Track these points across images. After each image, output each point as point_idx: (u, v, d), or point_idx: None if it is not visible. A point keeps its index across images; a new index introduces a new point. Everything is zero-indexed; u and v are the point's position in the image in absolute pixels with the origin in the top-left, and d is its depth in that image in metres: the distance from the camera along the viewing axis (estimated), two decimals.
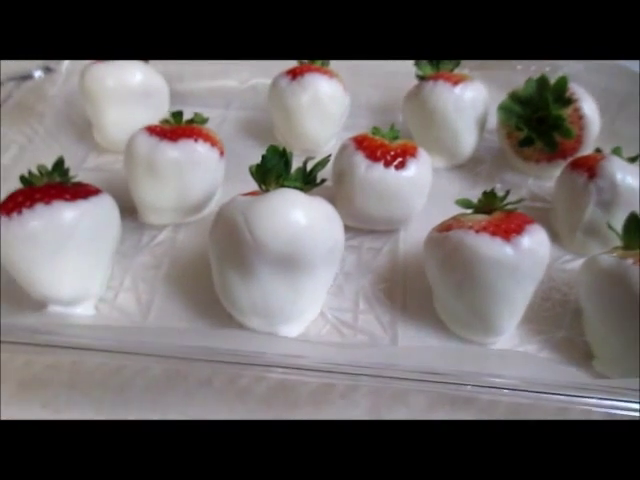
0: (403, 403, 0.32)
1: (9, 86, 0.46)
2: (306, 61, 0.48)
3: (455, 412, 0.32)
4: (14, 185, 0.41)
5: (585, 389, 0.29)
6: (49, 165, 0.36)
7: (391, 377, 0.29)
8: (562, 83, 0.43)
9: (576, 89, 0.44)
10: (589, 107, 0.44)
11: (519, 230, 0.32)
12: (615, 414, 0.28)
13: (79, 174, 0.37)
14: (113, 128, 0.47)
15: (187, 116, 0.42)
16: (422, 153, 0.39)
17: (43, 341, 0.30)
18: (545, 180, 0.47)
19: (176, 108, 0.49)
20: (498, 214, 0.34)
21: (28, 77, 0.48)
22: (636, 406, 0.28)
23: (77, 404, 0.32)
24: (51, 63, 0.50)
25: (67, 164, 0.36)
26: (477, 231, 0.32)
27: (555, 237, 0.42)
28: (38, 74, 0.49)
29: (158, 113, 0.48)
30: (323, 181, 0.35)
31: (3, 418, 0.31)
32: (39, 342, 0.30)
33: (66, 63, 0.51)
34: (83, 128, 0.50)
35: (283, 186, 0.33)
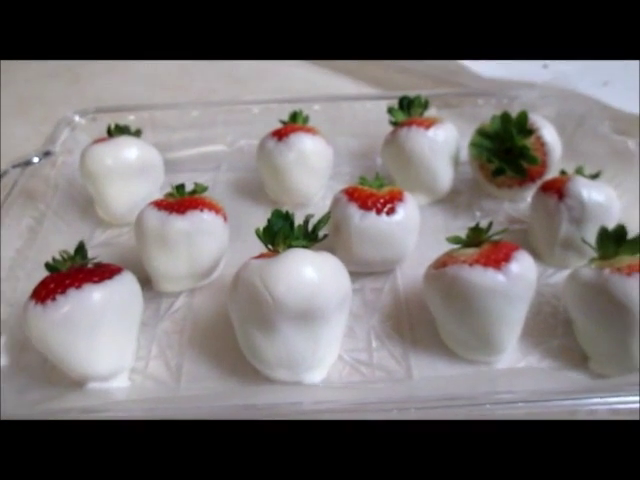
0: None
1: (14, 174, 0.49)
2: (288, 121, 0.52)
3: None
4: (32, 267, 0.44)
5: (588, 391, 0.32)
6: (63, 246, 0.38)
7: (414, 408, 0.32)
8: (523, 116, 0.47)
9: (536, 119, 0.48)
10: (549, 134, 0.48)
11: (507, 258, 0.36)
12: (619, 409, 0.32)
13: (90, 250, 0.39)
14: (116, 203, 0.49)
15: (183, 182, 0.44)
16: (408, 196, 0.43)
17: (90, 418, 0.32)
18: (519, 202, 0.51)
19: (169, 176, 0.53)
20: (486, 245, 0.37)
21: (29, 163, 0.50)
22: (636, 398, 0.31)
23: None
24: (49, 146, 0.53)
25: (77, 241, 0.39)
26: (470, 264, 0.36)
27: (536, 254, 0.45)
28: (37, 159, 0.51)
29: (156, 183, 0.52)
30: (325, 236, 0.38)
31: None
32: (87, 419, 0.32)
33: (60, 144, 0.54)
34: (85, 205, 0.53)
35: (291, 246, 0.36)
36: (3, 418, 0.31)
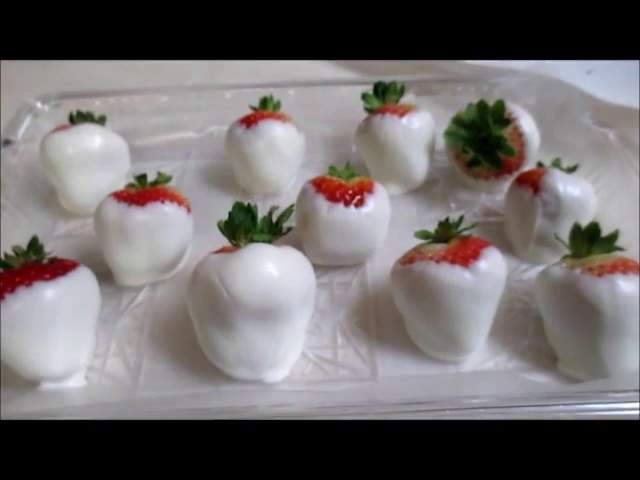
0: None
1: None
2: (259, 107, 0.50)
3: None
4: None
5: (553, 397, 0.31)
6: (24, 239, 0.37)
7: (379, 412, 0.31)
8: (500, 105, 0.46)
9: (514, 108, 0.47)
10: (527, 124, 0.47)
11: (475, 255, 0.35)
12: (583, 416, 0.31)
13: (49, 243, 0.38)
14: (78, 193, 0.48)
15: (148, 171, 0.43)
16: (378, 187, 0.42)
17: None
18: (496, 194, 0.50)
19: (136, 164, 0.51)
20: (455, 241, 0.36)
21: None
22: (602, 406, 0.31)
23: None
24: (9, 134, 0.51)
25: (36, 233, 0.37)
26: (437, 261, 0.35)
27: (511, 248, 0.45)
28: None
29: (120, 172, 0.50)
30: (289, 230, 0.37)
31: None
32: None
33: (22, 132, 0.52)
34: (47, 195, 0.51)
35: (252, 240, 0.35)
36: None
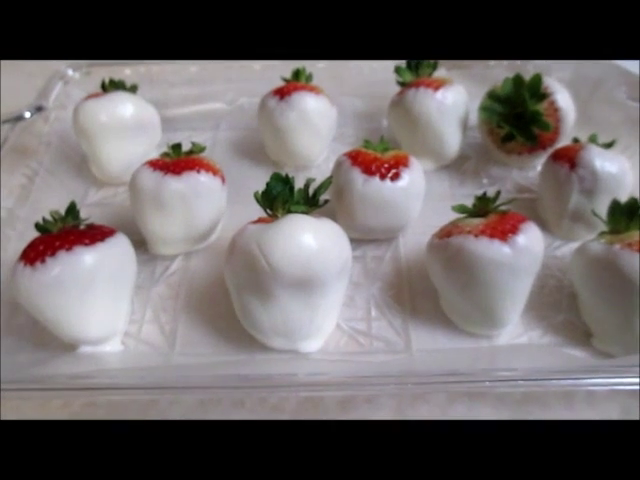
0: (424, 400, 0.35)
1: (4, 129, 0.47)
2: (291, 79, 0.49)
3: (473, 404, 0.35)
4: (23, 227, 0.43)
5: (588, 371, 0.32)
6: (55, 205, 0.37)
7: (414, 383, 0.31)
8: (536, 80, 0.45)
9: (550, 83, 0.46)
10: (564, 99, 0.46)
11: (514, 230, 0.35)
12: (618, 390, 0.31)
13: (83, 210, 0.38)
14: (111, 162, 0.48)
15: (181, 141, 0.43)
16: (413, 161, 0.42)
17: (80, 385, 0.32)
18: (528, 170, 0.50)
19: (167, 134, 0.51)
20: (493, 216, 0.36)
21: (20, 118, 0.49)
22: (636, 380, 0.31)
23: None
24: (41, 101, 0.51)
25: (70, 201, 0.38)
26: (476, 235, 0.35)
27: (544, 225, 0.44)
28: (28, 114, 0.50)
29: (152, 142, 0.50)
30: (326, 202, 0.37)
31: None
32: (76, 387, 0.32)
33: (53, 99, 0.53)
34: (79, 163, 0.51)
35: (290, 211, 0.35)
36: None
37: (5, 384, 0.31)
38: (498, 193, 0.37)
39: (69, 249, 0.34)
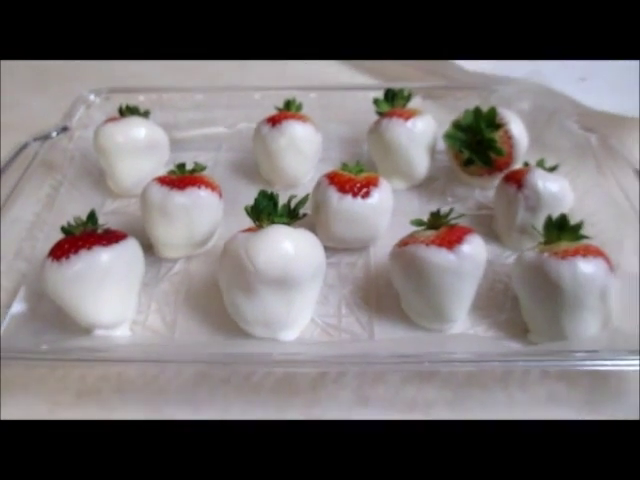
0: (382, 382, 0.41)
1: (34, 146, 0.54)
2: (283, 108, 0.57)
3: (422, 385, 0.41)
4: (49, 230, 0.50)
5: (520, 354, 0.39)
6: (77, 212, 0.44)
7: (371, 362, 0.38)
8: (492, 111, 0.52)
9: (505, 114, 0.53)
10: (517, 128, 0.53)
11: (460, 240, 0.41)
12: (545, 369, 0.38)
13: (100, 217, 0.45)
14: (125, 177, 0.55)
15: (184, 161, 0.50)
16: (383, 182, 0.48)
17: (97, 357, 0.39)
18: (489, 190, 0.56)
19: (174, 154, 0.58)
20: (444, 229, 0.42)
21: (48, 137, 0.56)
22: (556, 363, 0.38)
23: (126, 405, 0.41)
24: (66, 122, 0.58)
25: (88, 209, 0.44)
26: (427, 244, 0.41)
27: (497, 237, 0.51)
28: (55, 133, 0.57)
29: (161, 160, 0.57)
30: (305, 215, 0.43)
31: (68, 418, 0.40)
32: (94, 358, 0.39)
33: (76, 120, 0.60)
34: (98, 177, 0.58)
35: (274, 222, 0.42)
36: (20, 355, 0.38)
37: (32, 354, 0.38)
38: (451, 210, 0.44)
39: (89, 248, 0.41)
